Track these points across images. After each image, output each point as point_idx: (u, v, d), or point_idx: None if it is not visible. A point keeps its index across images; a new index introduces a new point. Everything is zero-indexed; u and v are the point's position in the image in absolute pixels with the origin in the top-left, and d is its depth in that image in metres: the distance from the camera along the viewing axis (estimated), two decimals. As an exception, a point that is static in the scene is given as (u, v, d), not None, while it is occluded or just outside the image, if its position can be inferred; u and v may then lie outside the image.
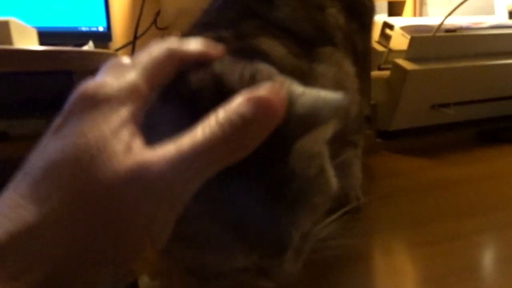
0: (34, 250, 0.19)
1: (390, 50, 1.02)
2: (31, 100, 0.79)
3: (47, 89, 0.81)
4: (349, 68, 0.48)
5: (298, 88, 0.27)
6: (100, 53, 0.66)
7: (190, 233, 0.25)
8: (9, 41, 0.58)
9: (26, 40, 0.64)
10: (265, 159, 0.25)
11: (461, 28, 1.00)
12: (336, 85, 0.43)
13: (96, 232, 0.20)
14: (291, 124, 0.26)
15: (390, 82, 0.95)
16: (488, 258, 0.49)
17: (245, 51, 0.33)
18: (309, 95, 0.27)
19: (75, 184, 0.20)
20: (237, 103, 0.22)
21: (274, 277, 0.28)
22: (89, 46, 0.82)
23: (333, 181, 0.29)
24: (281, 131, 0.25)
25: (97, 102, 0.22)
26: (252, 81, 0.26)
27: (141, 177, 0.20)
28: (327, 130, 0.28)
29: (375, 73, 0.96)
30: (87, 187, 0.20)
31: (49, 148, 0.21)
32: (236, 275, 0.28)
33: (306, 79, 0.37)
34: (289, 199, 0.26)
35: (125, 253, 0.21)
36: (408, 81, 0.91)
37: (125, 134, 0.21)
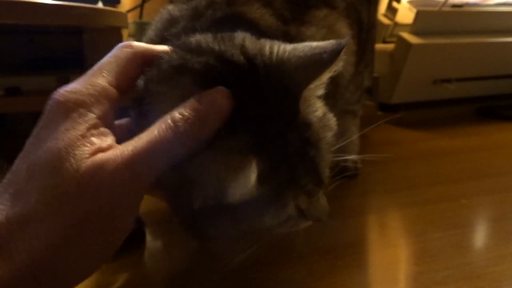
0: (15, 241, 0.22)
1: (396, 24, 1.02)
2: (43, 58, 0.81)
3: (57, 48, 0.83)
4: (342, 29, 0.49)
5: (288, 46, 0.30)
6: (111, 12, 0.67)
7: (248, 203, 0.28)
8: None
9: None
10: (286, 111, 0.28)
11: (467, 4, 1.00)
12: None
13: (71, 224, 0.23)
14: (293, 76, 0.29)
15: (394, 55, 0.97)
16: (473, 218, 0.52)
17: (234, 20, 0.35)
18: (302, 46, 0.30)
19: (49, 185, 0.23)
20: (189, 103, 0.26)
21: (312, 215, 0.32)
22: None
23: (331, 116, 0.33)
24: (288, 85, 0.29)
25: (68, 109, 0.25)
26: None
27: (97, 175, 0.23)
28: (326, 76, 0.31)
29: (379, 46, 0.97)
30: (59, 187, 0.23)
31: (30, 153, 0.24)
32: (283, 225, 0.31)
33: (294, 42, 0.40)
34: (314, 141, 0.30)
35: (98, 239, 0.24)
36: (412, 54, 0.93)
37: (93, 137, 0.24)
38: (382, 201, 0.57)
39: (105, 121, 0.26)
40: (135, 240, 0.44)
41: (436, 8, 0.95)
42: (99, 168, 0.23)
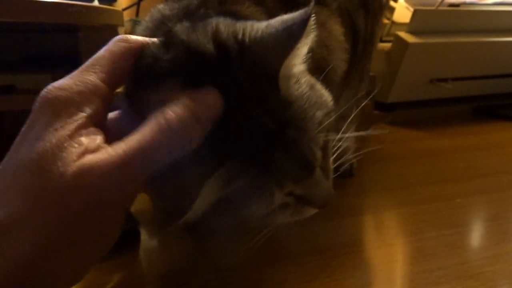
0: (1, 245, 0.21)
1: (393, 23, 1.02)
2: (38, 56, 0.81)
3: (53, 46, 0.83)
4: (334, 27, 0.49)
5: (263, 23, 0.30)
6: (107, 10, 0.66)
7: (231, 196, 0.27)
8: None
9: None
10: (261, 93, 0.28)
11: (464, 3, 1.00)
12: (317, 43, 0.45)
13: (56, 228, 0.22)
14: (267, 54, 0.28)
15: (391, 54, 0.96)
16: (468, 217, 0.52)
17: (228, 16, 0.34)
18: (274, 21, 0.29)
19: (33, 187, 0.22)
20: (181, 100, 0.25)
21: (313, 201, 0.30)
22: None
23: (325, 93, 0.32)
24: (264, 65, 0.28)
25: (56, 108, 0.24)
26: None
27: (84, 178, 0.22)
28: (303, 49, 0.29)
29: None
30: (44, 191, 0.22)
31: (16, 153, 0.23)
32: (280, 214, 0.30)
33: None
34: (296, 121, 0.28)
35: (85, 242, 0.23)
36: (408, 54, 0.93)
37: (81, 137, 0.23)
38: (378, 200, 0.57)
39: (96, 120, 0.25)
40: (129, 240, 0.44)
41: (433, 7, 0.95)
42: (87, 171, 0.22)
